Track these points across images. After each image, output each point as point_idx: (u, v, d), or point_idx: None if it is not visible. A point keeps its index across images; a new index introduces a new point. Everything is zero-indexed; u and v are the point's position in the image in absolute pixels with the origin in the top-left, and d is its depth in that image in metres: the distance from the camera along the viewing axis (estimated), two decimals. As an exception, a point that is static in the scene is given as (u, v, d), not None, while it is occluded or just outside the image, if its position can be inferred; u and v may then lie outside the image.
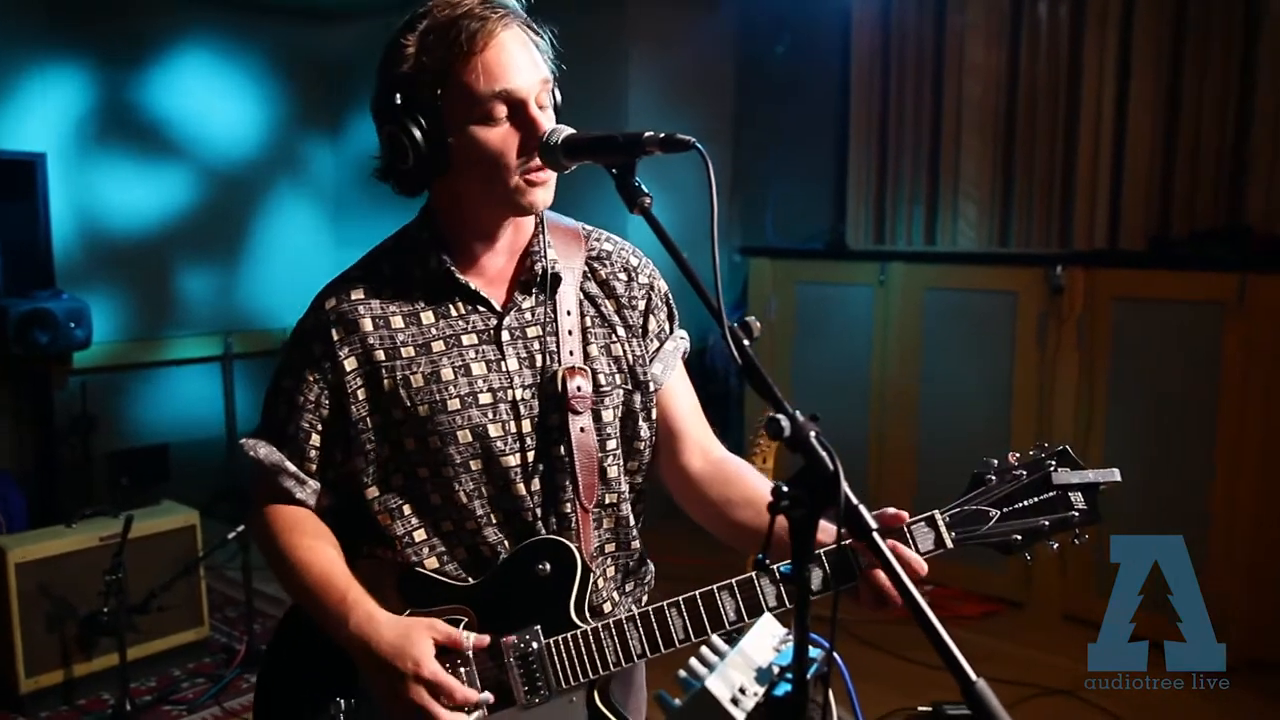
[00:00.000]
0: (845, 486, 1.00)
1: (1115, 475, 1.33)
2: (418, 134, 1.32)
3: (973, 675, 0.94)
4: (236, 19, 5.81)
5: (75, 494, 4.80)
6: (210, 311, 5.82)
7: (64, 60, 5.19)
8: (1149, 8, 4.10)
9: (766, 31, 5.33)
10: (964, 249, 4.70)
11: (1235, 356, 3.51)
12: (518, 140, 1.32)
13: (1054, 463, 1.32)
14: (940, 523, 1.33)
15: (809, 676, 1.06)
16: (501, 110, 1.32)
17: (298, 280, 6.14)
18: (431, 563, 1.41)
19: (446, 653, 1.35)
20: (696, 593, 1.34)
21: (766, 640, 1.14)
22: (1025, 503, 1.31)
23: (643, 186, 1.23)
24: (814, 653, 1.10)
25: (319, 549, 1.42)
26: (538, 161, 1.32)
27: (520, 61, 1.32)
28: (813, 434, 1.04)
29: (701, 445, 1.57)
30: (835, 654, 1.08)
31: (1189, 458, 3.64)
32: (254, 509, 1.48)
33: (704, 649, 1.17)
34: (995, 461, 1.34)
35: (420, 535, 1.41)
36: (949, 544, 1.32)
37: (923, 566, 1.29)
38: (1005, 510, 1.32)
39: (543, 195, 1.37)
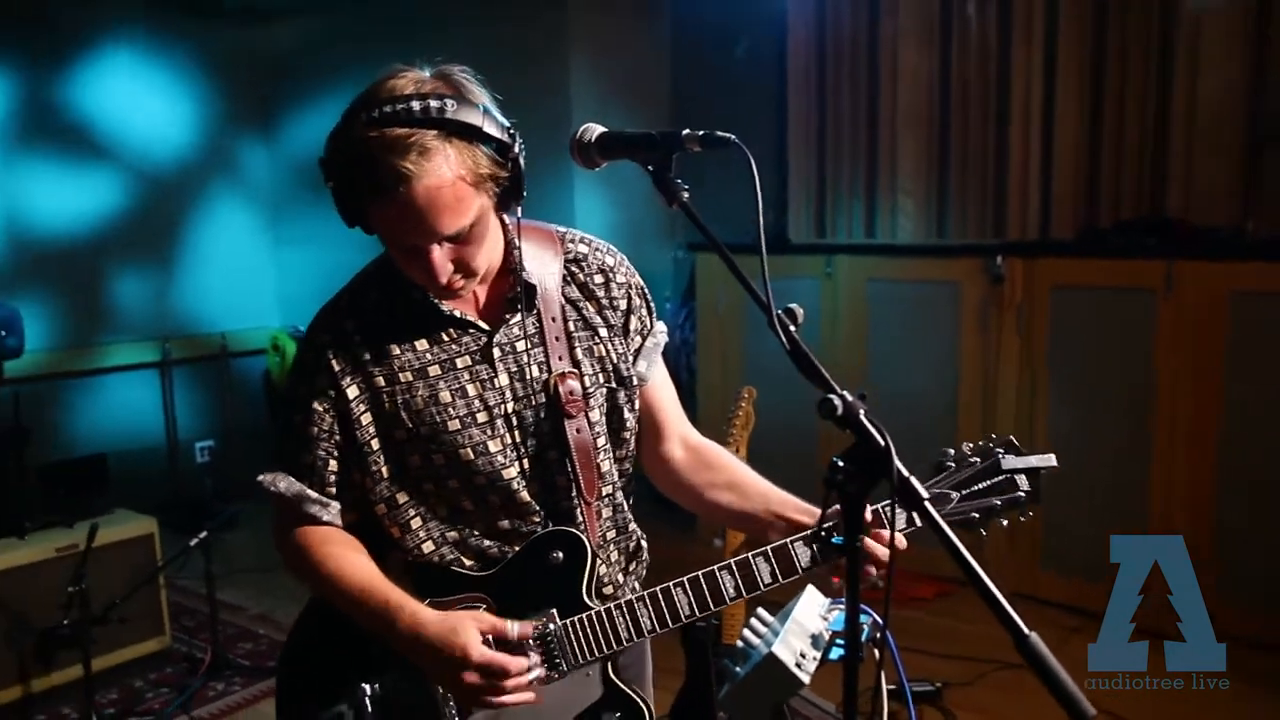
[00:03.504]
0: (897, 461, 1.08)
1: (1052, 460, 1.49)
2: (350, 217, 1.34)
3: (1025, 629, 1.01)
4: (162, 17, 5.67)
5: (13, 506, 4.63)
6: (146, 317, 5.68)
7: (-16, 60, 5.02)
8: (1072, 11, 4.30)
9: (704, 36, 5.43)
10: (903, 242, 4.85)
11: (1166, 339, 3.71)
12: (422, 272, 1.35)
13: (1002, 450, 1.48)
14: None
15: (862, 640, 1.14)
16: (407, 248, 1.33)
17: (237, 283, 6.03)
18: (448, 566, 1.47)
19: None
20: (699, 573, 1.43)
21: (814, 610, 1.21)
22: (979, 485, 1.46)
23: (681, 181, 1.29)
24: (862, 619, 1.17)
25: (352, 559, 1.45)
26: (444, 285, 1.35)
27: (421, 222, 1.28)
28: (862, 412, 1.11)
29: (681, 434, 1.66)
30: (887, 626, 1.16)
31: (1127, 436, 3.83)
32: (281, 536, 1.51)
33: (753, 620, 1.24)
34: (952, 451, 1.49)
35: (429, 546, 1.47)
36: (918, 522, 1.42)
37: (902, 542, 1.38)
38: (964, 493, 1.46)
39: (459, 297, 1.42)
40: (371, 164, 1.25)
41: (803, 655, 1.14)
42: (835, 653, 1.16)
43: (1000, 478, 1.45)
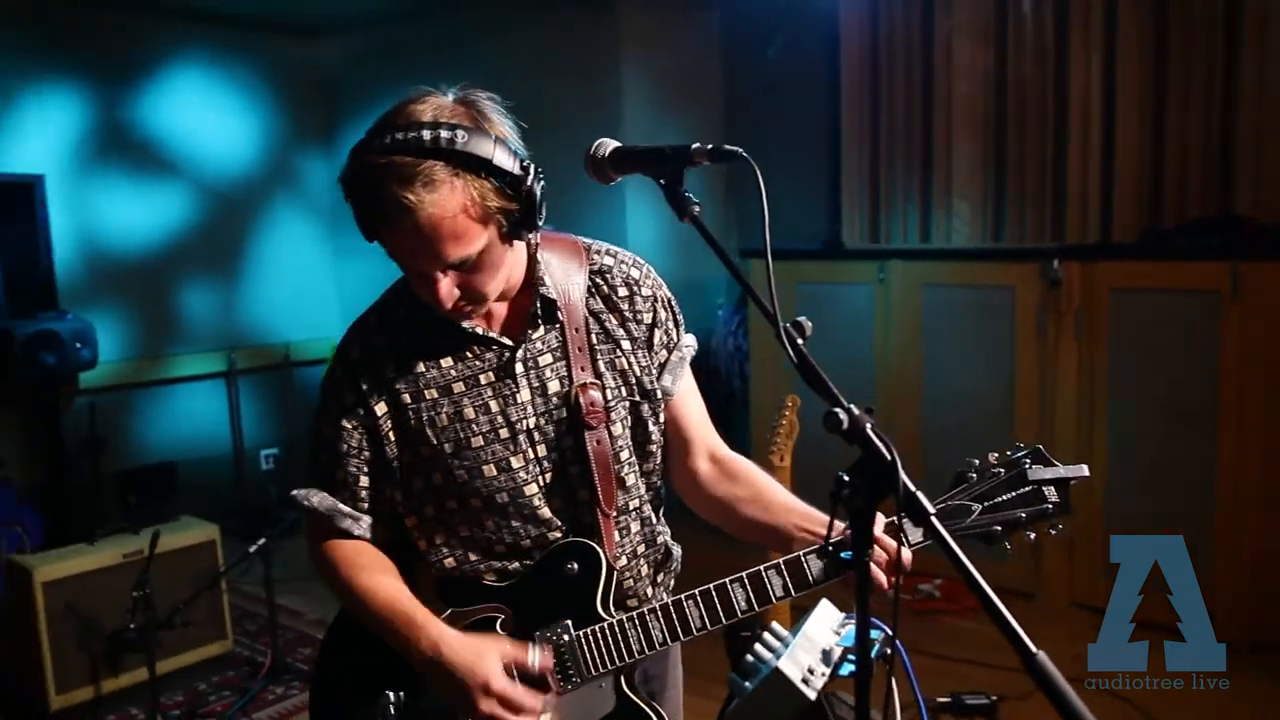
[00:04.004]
0: (903, 475, 1.07)
1: (1084, 470, 1.43)
2: (366, 233, 1.35)
3: (1033, 647, 0.99)
4: (228, 36, 5.86)
5: (86, 513, 4.82)
6: (213, 328, 5.86)
7: (60, 81, 5.23)
8: (1131, 2, 4.19)
9: (754, 35, 5.41)
10: (958, 246, 4.78)
11: (1233, 344, 3.58)
12: (429, 294, 1.36)
13: (1029, 460, 1.43)
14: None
15: (872, 657, 1.12)
16: (414, 271, 1.36)
17: (299, 294, 6.19)
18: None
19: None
20: (711, 585, 1.42)
21: (827, 624, 1.20)
22: (1004, 497, 1.42)
23: (691, 196, 1.29)
24: (873, 634, 1.16)
25: (380, 576, 1.48)
26: (449, 309, 1.37)
27: (424, 249, 1.30)
28: (869, 426, 1.10)
29: (708, 447, 1.64)
30: (896, 638, 1.14)
31: (1192, 444, 3.71)
32: (314, 548, 1.54)
33: (766, 635, 1.23)
34: (976, 461, 1.45)
35: (450, 562, 1.49)
36: (934, 510, 1.40)
37: (906, 556, 1.36)
38: (986, 505, 1.42)
39: (469, 319, 1.44)
40: (379, 190, 1.27)
41: (810, 671, 1.14)
42: (846, 669, 1.15)
43: (1026, 489, 1.41)
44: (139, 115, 5.54)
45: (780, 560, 1.39)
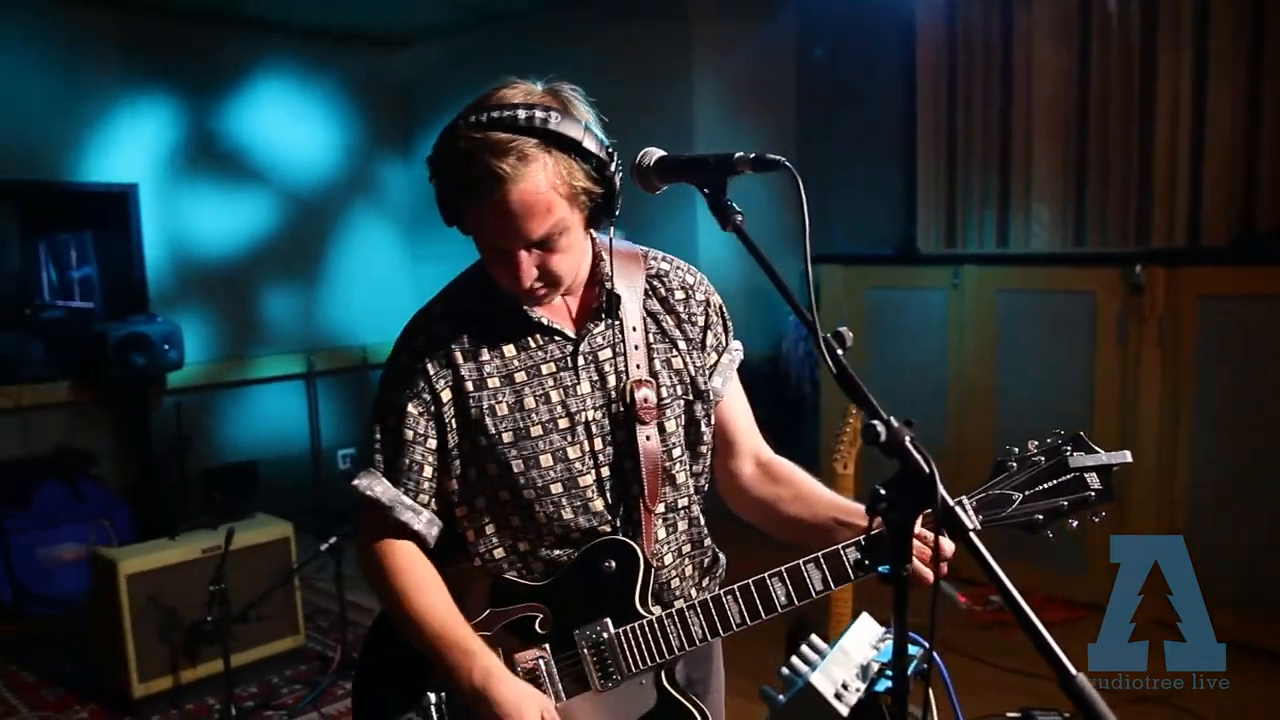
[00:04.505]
0: (941, 489, 1.05)
1: (1126, 456, 1.41)
2: (448, 214, 1.40)
3: (1072, 669, 0.97)
4: (310, 47, 6.04)
5: (172, 508, 5.00)
6: (293, 331, 6.03)
7: (153, 95, 5.44)
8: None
9: (827, 37, 5.35)
10: (1037, 250, 4.65)
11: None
12: (508, 273, 1.39)
13: (1069, 447, 1.41)
14: (967, 506, 1.42)
15: (909, 673, 1.10)
16: (496, 249, 1.39)
17: (376, 298, 6.32)
18: (510, 575, 1.51)
19: (525, 637, 1.46)
20: (750, 580, 1.42)
21: (865, 639, 1.18)
22: (1045, 485, 1.40)
23: (734, 205, 1.28)
24: (912, 650, 1.14)
25: (433, 596, 1.47)
26: (528, 288, 1.39)
27: (512, 224, 1.34)
28: (908, 438, 1.08)
29: (753, 450, 1.67)
30: (934, 652, 1.12)
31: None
32: (364, 542, 1.53)
33: (804, 647, 1.21)
34: (1016, 449, 1.43)
35: (500, 553, 1.50)
36: (976, 525, 1.40)
37: (949, 548, 1.33)
38: (1027, 493, 1.40)
39: (541, 304, 1.46)
40: (471, 163, 1.31)
41: (844, 686, 1.12)
42: (883, 684, 1.13)
43: (1068, 476, 1.38)
44: (226, 126, 5.73)
45: (819, 554, 1.39)
